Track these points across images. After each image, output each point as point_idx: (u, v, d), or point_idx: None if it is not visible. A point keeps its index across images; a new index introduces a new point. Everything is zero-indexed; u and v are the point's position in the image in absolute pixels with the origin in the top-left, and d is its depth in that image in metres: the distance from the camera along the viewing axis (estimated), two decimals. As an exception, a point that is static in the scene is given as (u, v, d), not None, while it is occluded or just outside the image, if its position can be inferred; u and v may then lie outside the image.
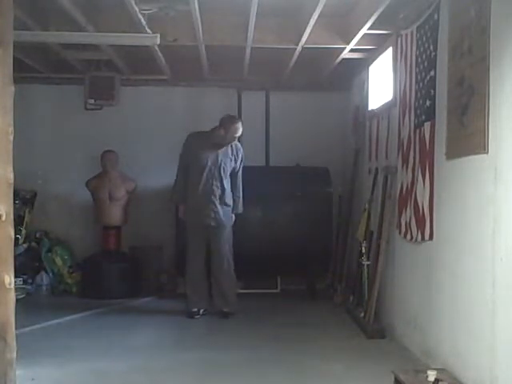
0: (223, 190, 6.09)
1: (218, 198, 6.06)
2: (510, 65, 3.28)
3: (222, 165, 6.10)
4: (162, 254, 7.67)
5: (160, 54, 6.27)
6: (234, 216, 6.19)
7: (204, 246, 6.13)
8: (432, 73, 4.46)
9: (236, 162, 6.19)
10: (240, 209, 6.23)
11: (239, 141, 6.40)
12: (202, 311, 6.13)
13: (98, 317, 6.19)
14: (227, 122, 6.07)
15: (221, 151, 6.12)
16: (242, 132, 6.16)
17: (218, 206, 6.05)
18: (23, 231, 7.45)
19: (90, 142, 7.72)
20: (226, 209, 6.11)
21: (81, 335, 5.45)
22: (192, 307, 6.11)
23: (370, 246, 5.84)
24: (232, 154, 6.18)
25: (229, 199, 6.13)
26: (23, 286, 7.08)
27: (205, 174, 6.06)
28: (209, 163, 6.07)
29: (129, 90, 7.66)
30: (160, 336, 5.46)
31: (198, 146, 6.13)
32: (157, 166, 7.66)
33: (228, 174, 6.15)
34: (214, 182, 6.07)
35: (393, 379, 3.85)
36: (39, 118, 7.79)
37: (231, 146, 6.19)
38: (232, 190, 6.20)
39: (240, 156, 6.23)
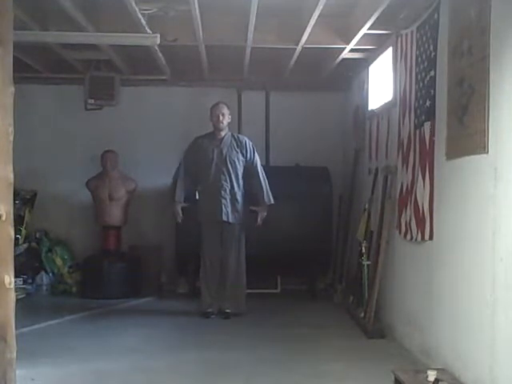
0: (232, 184, 6.09)
1: (227, 192, 6.07)
2: (509, 65, 3.28)
3: (228, 158, 6.11)
4: (162, 253, 7.68)
5: (160, 54, 6.27)
6: (262, 215, 6.19)
7: (219, 247, 6.12)
8: (432, 73, 4.46)
9: (245, 155, 6.18)
10: (269, 198, 6.15)
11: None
12: (216, 311, 6.13)
13: (97, 317, 6.19)
14: (210, 108, 6.23)
15: (224, 145, 6.15)
16: (242, 130, 6.15)
17: (228, 201, 6.06)
18: (23, 231, 7.46)
19: (90, 141, 7.73)
20: (237, 205, 6.10)
21: (81, 335, 5.45)
22: (206, 308, 6.11)
23: (370, 246, 5.84)
24: (238, 147, 6.18)
25: (239, 195, 6.12)
26: (23, 286, 7.09)
27: (212, 170, 6.09)
28: (214, 158, 6.11)
29: (129, 90, 7.66)
30: (160, 336, 5.45)
31: (203, 145, 6.20)
32: (157, 166, 7.66)
33: (237, 168, 6.13)
34: (222, 177, 6.08)
35: (393, 379, 3.86)
36: (39, 118, 7.79)
37: (235, 139, 6.22)
38: (256, 184, 6.17)
39: (248, 147, 6.22)
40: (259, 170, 6.24)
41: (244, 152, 6.19)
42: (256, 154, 6.29)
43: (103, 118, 7.75)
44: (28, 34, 5.32)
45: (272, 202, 6.19)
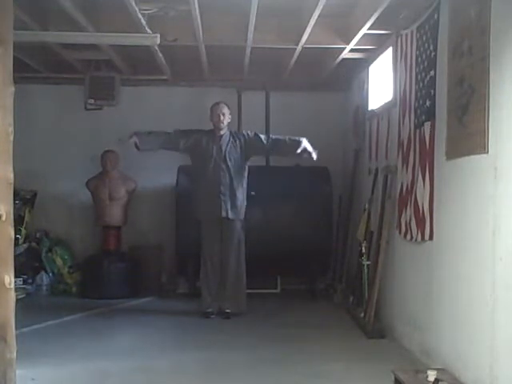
0: (231, 181, 6.08)
1: (227, 188, 6.06)
2: (509, 65, 3.28)
3: (227, 155, 6.10)
4: (162, 253, 7.68)
5: (160, 54, 6.27)
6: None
7: (219, 246, 6.11)
8: (432, 73, 4.46)
9: (247, 142, 6.14)
10: (295, 139, 6.07)
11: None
12: (216, 311, 6.13)
13: (98, 317, 6.19)
14: (211, 108, 6.21)
15: (223, 142, 6.14)
16: (242, 131, 6.16)
17: (228, 197, 6.04)
18: (23, 231, 7.46)
19: (90, 141, 7.72)
20: (236, 201, 6.08)
21: (81, 335, 5.45)
22: (206, 308, 6.10)
23: (370, 246, 5.84)
24: (237, 143, 6.15)
25: (239, 192, 6.11)
26: (23, 286, 7.09)
27: (211, 167, 6.07)
28: (214, 155, 6.10)
29: (129, 90, 7.66)
30: (160, 336, 5.45)
31: (203, 142, 6.16)
32: (157, 166, 7.66)
33: (237, 164, 6.11)
34: (222, 173, 6.07)
35: (393, 379, 3.86)
36: (39, 118, 7.79)
37: (233, 136, 6.21)
38: (283, 143, 6.16)
39: (246, 134, 6.22)
40: (273, 137, 6.25)
41: (242, 145, 6.16)
42: (259, 134, 6.26)
43: (103, 117, 7.75)
44: (28, 33, 5.31)
45: (299, 140, 6.07)
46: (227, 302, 6.11)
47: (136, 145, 6.05)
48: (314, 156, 6.06)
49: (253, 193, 6.53)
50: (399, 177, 5.21)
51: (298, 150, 6.00)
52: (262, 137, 6.24)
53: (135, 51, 6.49)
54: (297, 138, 6.08)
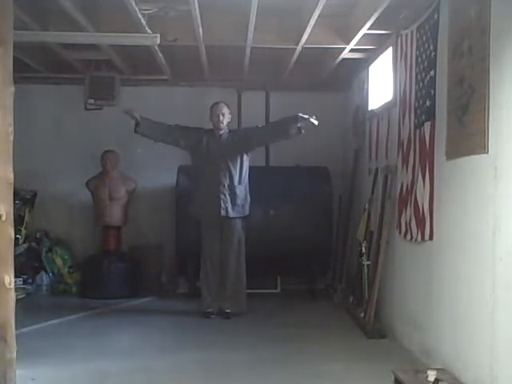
0: (232, 179, 6.06)
1: (226, 187, 6.04)
2: (509, 65, 3.28)
3: (227, 154, 6.08)
4: (162, 253, 7.68)
5: (160, 54, 6.27)
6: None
7: (219, 246, 6.11)
8: (432, 73, 4.46)
9: (243, 142, 6.12)
10: (290, 116, 5.97)
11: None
12: (216, 311, 6.12)
13: (97, 317, 6.19)
14: (210, 107, 6.20)
15: (223, 141, 6.13)
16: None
17: (227, 196, 6.03)
18: (23, 231, 7.46)
19: (90, 142, 7.72)
20: (237, 199, 6.06)
21: (81, 335, 5.45)
22: (206, 308, 6.10)
23: (370, 246, 5.84)
24: (236, 141, 6.13)
25: (240, 190, 6.10)
26: (23, 286, 7.09)
27: (211, 166, 6.05)
28: (213, 154, 6.08)
29: (129, 89, 7.66)
30: (160, 336, 5.45)
31: (203, 140, 6.14)
32: (157, 166, 7.66)
33: (237, 163, 6.09)
34: (221, 172, 6.04)
35: (393, 379, 3.86)
36: (39, 118, 7.79)
37: (232, 134, 6.20)
38: (274, 125, 6.26)
39: (243, 132, 6.28)
40: (265, 123, 6.31)
41: (241, 137, 6.15)
42: (250, 128, 6.27)
43: (103, 117, 7.75)
44: (28, 33, 5.32)
45: (295, 115, 5.93)
46: (227, 302, 6.11)
47: (136, 121, 6.01)
48: (315, 121, 5.89)
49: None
50: (399, 177, 5.21)
51: (299, 124, 5.89)
52: (258, 125, 6.28)
53: (135, 51, 6.49)
54: (291, 115, 5.98)
